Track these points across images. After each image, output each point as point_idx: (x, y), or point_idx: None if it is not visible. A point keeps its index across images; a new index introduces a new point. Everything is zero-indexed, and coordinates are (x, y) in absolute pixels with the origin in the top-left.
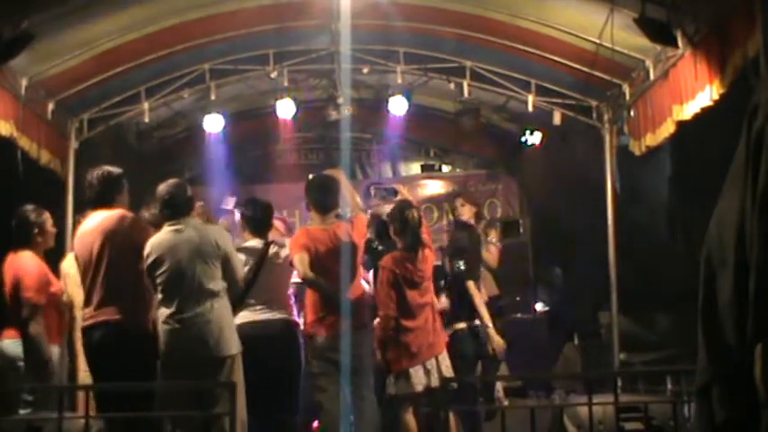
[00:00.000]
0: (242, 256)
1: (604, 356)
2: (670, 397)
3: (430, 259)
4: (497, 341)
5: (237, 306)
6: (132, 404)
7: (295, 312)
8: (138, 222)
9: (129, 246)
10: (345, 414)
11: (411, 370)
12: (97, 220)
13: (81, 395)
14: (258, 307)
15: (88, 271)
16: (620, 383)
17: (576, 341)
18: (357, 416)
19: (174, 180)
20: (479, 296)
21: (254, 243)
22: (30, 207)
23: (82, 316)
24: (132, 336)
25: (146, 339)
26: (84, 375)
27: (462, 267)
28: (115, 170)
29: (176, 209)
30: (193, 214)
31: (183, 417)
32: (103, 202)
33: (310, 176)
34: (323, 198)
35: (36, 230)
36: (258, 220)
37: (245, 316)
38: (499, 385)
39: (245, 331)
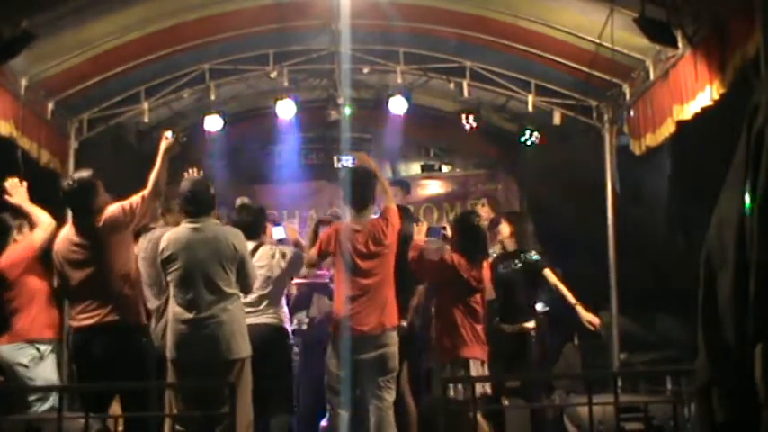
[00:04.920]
0: None
1: (604, 356)
2: (670, 397)
3: (486, 269)
4: (591, 317)
5: None
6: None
7: (286, 316)
8: (117, 213)
9: (122, 242)
10: (361, 415)
11: (471, 361)
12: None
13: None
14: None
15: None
16: (620, 383)
17: (575, 341)
18: (375, 418)
19: (198, 177)
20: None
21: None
22: (5, 214)
23: (71, 315)
24: (135, 335)
25: (146, 337)
26: None
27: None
28: (86, 175)
29: (197, 206)
30: (213, 214)
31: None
32: (86, 210)
33: (349, 167)
34: (357, 195)
35: (15, 231)
36: (249, 224)
37: None
38: None
39: None
